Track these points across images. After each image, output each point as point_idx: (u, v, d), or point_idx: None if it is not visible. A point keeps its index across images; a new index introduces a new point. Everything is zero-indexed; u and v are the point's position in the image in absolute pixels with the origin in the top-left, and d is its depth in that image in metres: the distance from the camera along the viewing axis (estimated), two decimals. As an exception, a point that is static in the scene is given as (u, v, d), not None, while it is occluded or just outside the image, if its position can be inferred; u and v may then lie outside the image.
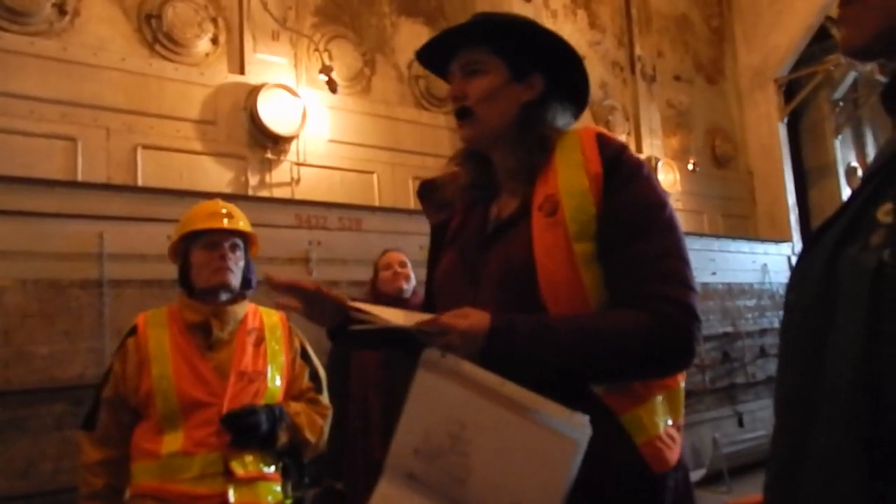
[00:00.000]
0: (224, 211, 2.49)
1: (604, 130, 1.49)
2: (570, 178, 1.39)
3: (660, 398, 1.40)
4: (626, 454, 1.33)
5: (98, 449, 2.31)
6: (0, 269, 3.51)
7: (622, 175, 1.38)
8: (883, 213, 0.60)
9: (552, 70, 1.53)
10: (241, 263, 2.47)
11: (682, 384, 1.45)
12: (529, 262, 1.37)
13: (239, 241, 2.48)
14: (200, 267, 2.40)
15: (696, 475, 6.17)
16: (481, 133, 1.50)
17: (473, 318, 1.29)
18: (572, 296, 1.35)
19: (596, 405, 1.30)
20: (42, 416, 3.47)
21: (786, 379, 0.68)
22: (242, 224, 2.50)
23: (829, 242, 0.65)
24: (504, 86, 1.48)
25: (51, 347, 3.58)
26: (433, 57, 1.61)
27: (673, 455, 1.39)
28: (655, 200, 1.39)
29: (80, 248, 3.76)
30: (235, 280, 2.43)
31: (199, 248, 2.41)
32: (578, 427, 1.19)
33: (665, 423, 1.39)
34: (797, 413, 0.65)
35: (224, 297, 2.42)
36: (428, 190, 1.77)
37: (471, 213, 1.61)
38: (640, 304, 1.31)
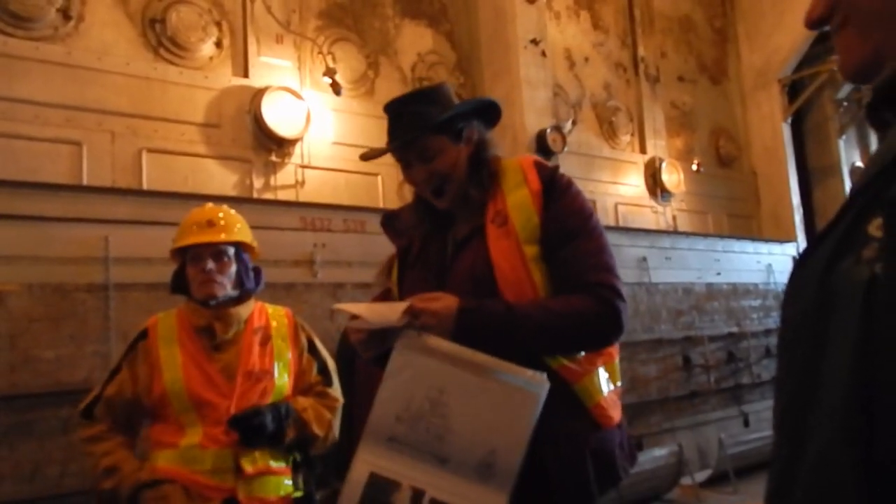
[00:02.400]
0: (211, 219, 2.46)
1: (539, 158, 1.85)
2: (516, 196, 1.72)
3: (602, 369, 1.72)
4: (581, 416, 1.66)
5: (96, 427, 2.39)
6: (5, 274, 3.53)
7: (557, 190, 1.72)
8: (874, 228, 0.61)
9: (474, 112, 1.83)
10: (233, 269, 2.46)
11: (618, 358, 1.80)
12: (488, 264, 1.67)
13: (226, 248, 2.46)
14: (191, 280, 2.44)
15: (701, 476, 6.16)
16: (454, 196, 1.79)
17: (445, 301, 1.57)
18: (525, 290, 1.64)
19: (554, 377, 1.55)
20: (48, 419, 3.48)
21: (783, 391, 0.70)
22: (226, 234, 2.46)
23: (822, 256, 0.66)
24: (455, 153, 1.78)
25: (57, 351, 3.60)
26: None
27: (616, 413, 1.73)
28: (585, 210, 1.73)
29: (86, 251, 3.77)
30: (224, 289, 2.43)
31: (188, 260, 2.46)
32: (538, 383, 1.49)
33: (608, 388, 1.73)
34: (794, 425, 0.66)
35: (217, 303, 2.44)
36: (389, 220, 2.06)
37: (429, 241, 1.88)
38: (583, 289, 1.62)
